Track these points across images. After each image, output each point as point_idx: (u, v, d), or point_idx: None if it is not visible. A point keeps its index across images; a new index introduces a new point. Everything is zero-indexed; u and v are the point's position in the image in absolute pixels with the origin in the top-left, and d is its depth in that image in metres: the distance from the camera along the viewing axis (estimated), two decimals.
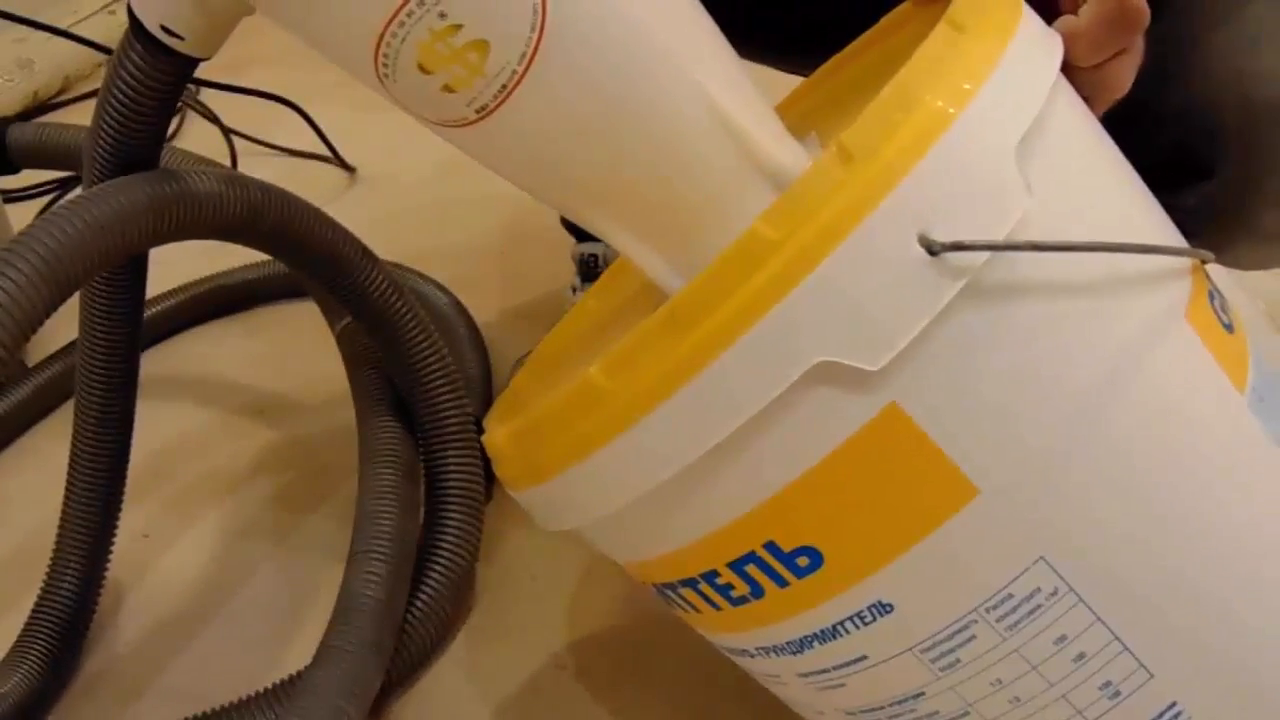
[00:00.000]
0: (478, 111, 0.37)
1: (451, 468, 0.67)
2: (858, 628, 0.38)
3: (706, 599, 0.40)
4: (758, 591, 0.38)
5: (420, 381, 0.67)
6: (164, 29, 0.47)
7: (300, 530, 0.77)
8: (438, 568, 0.65)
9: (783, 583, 0.37)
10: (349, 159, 1.25)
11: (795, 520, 0.36)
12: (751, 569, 0.38)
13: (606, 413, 0.36)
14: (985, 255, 0.33)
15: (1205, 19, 0.54)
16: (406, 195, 1.18)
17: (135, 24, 0.47)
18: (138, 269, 0.58)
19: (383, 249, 0.91)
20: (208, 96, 1.35)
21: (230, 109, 1.31)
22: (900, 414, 0.34)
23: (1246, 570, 0.38)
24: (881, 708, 0.40)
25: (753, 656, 0.42)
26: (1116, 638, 0.37)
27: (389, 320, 0.65)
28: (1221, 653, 0.38)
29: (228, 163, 1.24)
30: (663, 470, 0.36)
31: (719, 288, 0.34)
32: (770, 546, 0.37)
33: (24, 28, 1.30)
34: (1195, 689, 0.38)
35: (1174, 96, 0.54)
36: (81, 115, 1.47)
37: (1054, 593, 0.36)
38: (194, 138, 1.36)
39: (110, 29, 1.62)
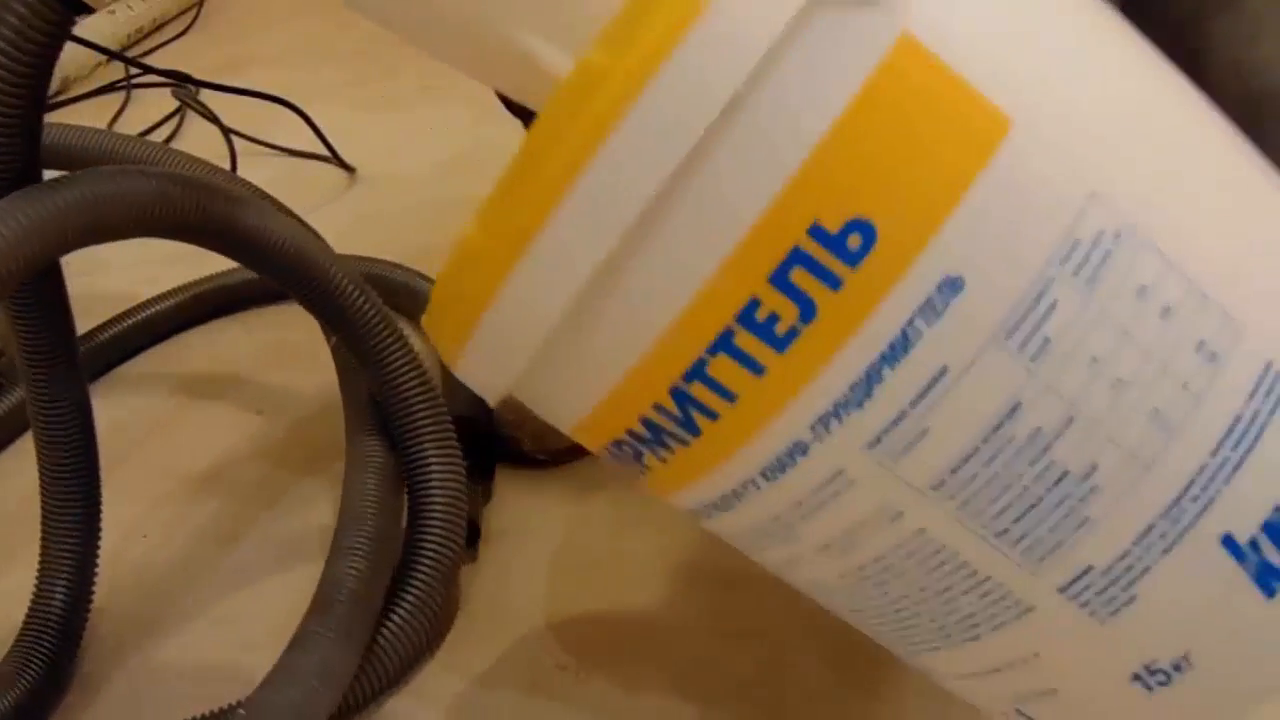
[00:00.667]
0: None
1: (432, 465, 0.66)
2: (930, 323, 0.35)
3: (747, 360, 0.36)
4: (809, 310, 0.35)
5: (390, 383, 0.66)
6: None
7: (299, 530, 0.76)
8: (424, 565, 0.65)
9: (837, 280, 0.34)
10: (349, 159, 1.25)
11: (835, 190, 0.34)
12: (797, 274, 0.34)
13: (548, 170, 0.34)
14: None
15: (1204, 8, 0.54)
16: (406, 195, 1.18)
17: None
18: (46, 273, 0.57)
19: (383, 249, 0.92)
20: (207, 97, 1.35)
21: (230, 109, 1.31)
22: (913, 43, 0.33)
23: None
24: (974, 454, 0.36)
25: (808, 454, 0.37)
26: (1193, 283, 0.35)
27: (351, 318, 0.64)
28: None
29: (227, 163, 1.24)
30: (657, 171, 0.33)
31: None
32: (815, 232, 0.34)
33: None
34: None
35: None
36: (81, 115, 1.47)
37: (1118, 234, 0.34)
38: (193, 138, 1.36)
39: (110, 29, 1.62)
